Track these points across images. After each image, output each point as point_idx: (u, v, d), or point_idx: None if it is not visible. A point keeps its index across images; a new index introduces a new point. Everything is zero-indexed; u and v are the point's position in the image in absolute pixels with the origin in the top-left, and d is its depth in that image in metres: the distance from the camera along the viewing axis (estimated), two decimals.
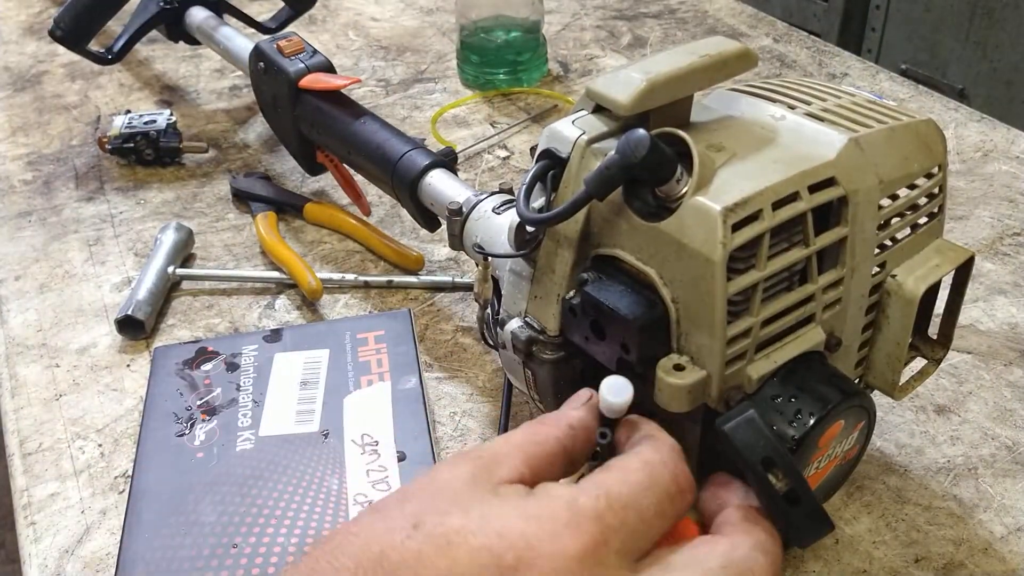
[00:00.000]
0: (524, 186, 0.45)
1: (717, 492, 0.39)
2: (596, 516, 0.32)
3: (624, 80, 0.42)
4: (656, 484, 0.34)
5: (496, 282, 0.54)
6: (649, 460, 0.35)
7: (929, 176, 0.47)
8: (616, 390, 0.37)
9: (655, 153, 0.39)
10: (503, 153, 0.89)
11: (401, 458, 0.54)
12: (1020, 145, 0.88)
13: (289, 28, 0.99)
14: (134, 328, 0.67)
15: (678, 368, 0.41)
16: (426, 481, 0.35)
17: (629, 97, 0.42)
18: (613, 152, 0.40)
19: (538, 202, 0.46)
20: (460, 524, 0.32)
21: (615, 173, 0.40)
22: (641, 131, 0.39)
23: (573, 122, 0.45)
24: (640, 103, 0.42)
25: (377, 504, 0.35)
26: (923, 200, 0.47)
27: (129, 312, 0.67)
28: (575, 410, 0.39)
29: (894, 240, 0.47)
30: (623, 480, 0.34)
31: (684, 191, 0.40)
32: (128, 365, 0.66)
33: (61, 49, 0.93)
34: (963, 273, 0.49)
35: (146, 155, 0.87)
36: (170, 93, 1.01)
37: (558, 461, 0.37)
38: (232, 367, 0.61)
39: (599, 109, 0.45)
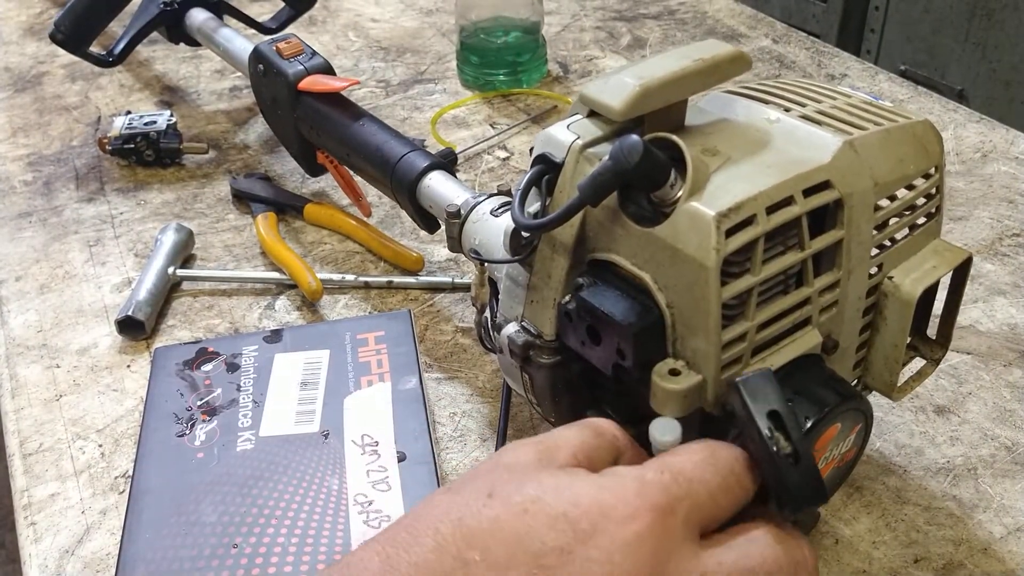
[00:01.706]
0: (519, 191, 0.45)
1: None
2: (663, 488, 0.35)
3: (617, 85, 0.42)
4: (718, 461, 0.37)
5: (494, 285, 0.54)
6: (710, 443, 0.38)
7: (926, 177, 0.47)
8: (663, 428, 0.39)
9: (648, 159, 0.39)
10: (503, 154, 0.89)
11: (401, 458, 0.54)
12: (1019, 146, 0.88)
13: (289, 29, 1.00)
14: (134, 329, 0.68)
15: (674, 373, 0.41)
16: (492, 464, 0.37)
17: (622, 102, 0.42)
18: (606, 158, 0.40)
19: (534, 207, 0.46)
20: (535, 494, 0.34)
21: (608, 179, 0.40)
22: (634, 137, 0.39)
23: (568, 126, 0.45)
24: (633, 108, 0.42)
25: (448, 485, 0.37)
26: (920, 201, 0.47)
27: (129, 313, 0.67)
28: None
29: (892, 241, 0.47)
30: (687, 459, 0.36)
31: (678, 196, 0.40)
32: (128, 366, 0.66)
33: (61, 50, 0.94)
34: (961, 273, 0.49)
35: (146, 156, 0.87)
36: (170, 94, 1.01)
37: (609, 458, 0.39)
38: (232, 368, 0.62)
39: (594, 113, 0.45)
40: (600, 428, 0.39)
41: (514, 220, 0.44)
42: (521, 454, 0.37)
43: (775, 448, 0.36)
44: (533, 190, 0.45)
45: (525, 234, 0.46)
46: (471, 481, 0.36)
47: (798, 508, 0.37)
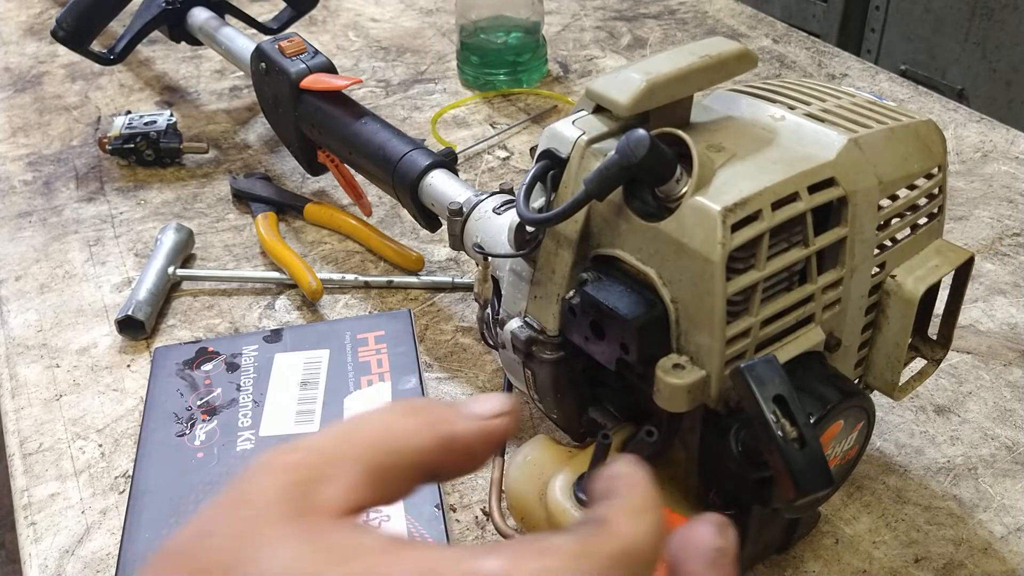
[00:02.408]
0: (524, 186, 0.45)
1: (687, 539, 0.28)
2: None
3: (624, 81, 0.42)
4: None
5: (496, 282, 0.54)
6: (591, 551, 0.24)
7: (929, 176, 0.47)
8: None
9: (654, 153, 0.39)
10: (503, 154, 0.89)
11: None
12: (1019, 145, 0.88)
13: (290, 29, 1.00)
14: (134, 328, 0.68)
15: (677, 368, 0.41)
16: (231, 502, 0.26)
17: (629, 98, 0.42)
18: (613, 152, 0.40)
19: (538, 202, 0.46)
20: None
21: (614, 173, 0.40)
22: (641, 131, 0.39)
23: (573, 122, 0.45)
24: (640, 104, 0.42)
25: (179, 539, 0.26)
26: (923, 200, 0.47)
27: (129, 312, 0.67)
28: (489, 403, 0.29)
29: (894, 240, 0.47)
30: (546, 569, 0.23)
31: (684, 191, 0.40)
32: (128, 365, 0.66)
33: (61, 50, 0.94)
34: (963, 274, 0.49)
35: (146, 156, 0.87)
36: (170, 94, 1.01)
37: (409, 478, 0.27)
38: (232, 367, 0.61)
39: (599, 109, 0.45)
40: (402, 432, 0.27)
41: (519, 214, 0.44)
42: (265, 487, 0.25)
43: (780, 433, 0.36)
44: (537, 185, 0.45)
45: (529, 228, 0.46)
46: (201, 541, 0.25)
47: (804, 494, 0.37)
